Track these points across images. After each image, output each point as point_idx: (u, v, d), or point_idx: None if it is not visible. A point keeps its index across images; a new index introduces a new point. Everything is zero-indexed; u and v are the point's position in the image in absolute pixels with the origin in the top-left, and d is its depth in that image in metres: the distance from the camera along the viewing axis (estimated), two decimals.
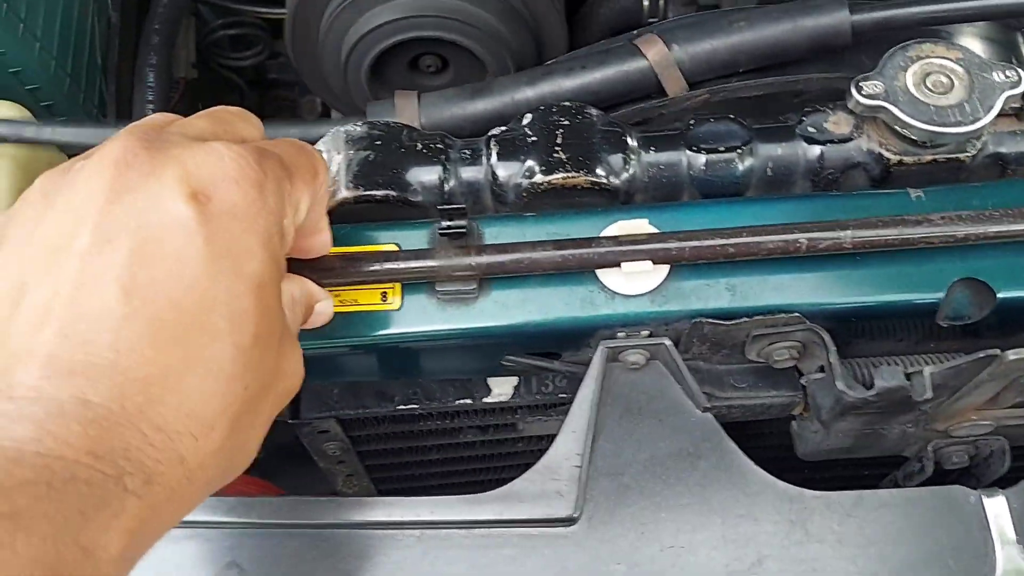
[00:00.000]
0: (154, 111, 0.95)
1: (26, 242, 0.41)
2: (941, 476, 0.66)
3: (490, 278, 0.60)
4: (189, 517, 0.43)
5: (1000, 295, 0.58)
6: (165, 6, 1.04)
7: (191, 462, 0.40)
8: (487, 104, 0.71)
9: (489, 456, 0.82)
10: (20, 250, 0.41)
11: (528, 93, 0.71)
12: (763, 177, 0.65)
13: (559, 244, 0.57)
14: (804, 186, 0.65)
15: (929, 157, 0.62)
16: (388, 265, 0.57)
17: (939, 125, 0.59)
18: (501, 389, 0.72)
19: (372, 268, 0.57)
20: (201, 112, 0.50)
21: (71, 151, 0.87)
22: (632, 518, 0.57)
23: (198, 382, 0.40)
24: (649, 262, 0.57)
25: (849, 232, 0.57)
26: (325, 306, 0.54)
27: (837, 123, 0.64)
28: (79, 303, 0.39)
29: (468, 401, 0.72)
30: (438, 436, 0.78)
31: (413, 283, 0.60)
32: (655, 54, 0.69)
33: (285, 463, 0.84)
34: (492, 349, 0.63)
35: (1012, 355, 0.52)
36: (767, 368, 0.63)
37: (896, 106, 0.60)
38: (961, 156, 0.62)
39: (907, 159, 0.62)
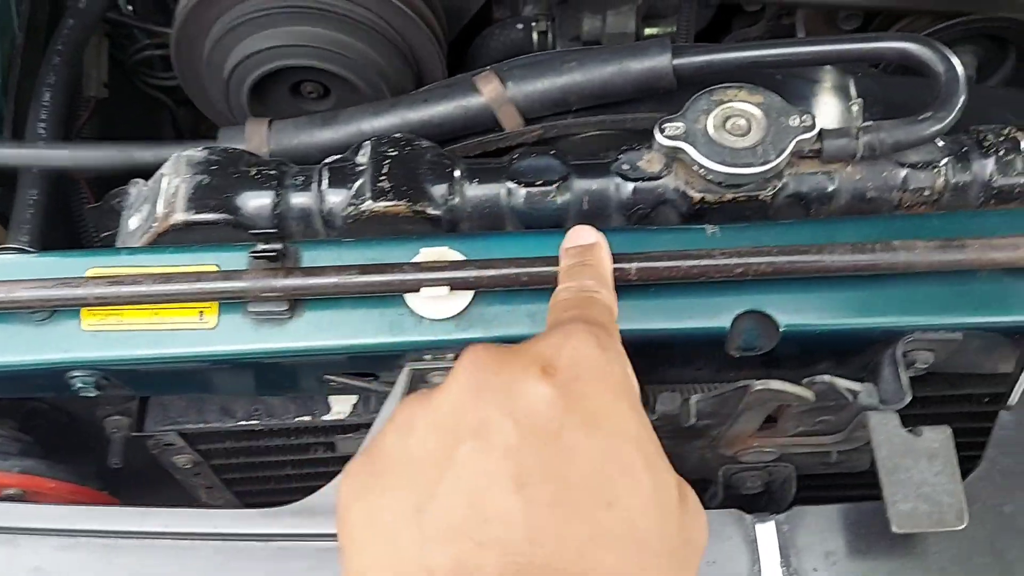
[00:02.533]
0: (45, 129, 0.97)
1: (407, 465, 0.42)
2: (747, 500, 0.69)
3: (305, 299, 0.62)
4: None
5: (782, 327, 0.61)
6: (71, 28, 1.07)
7: None
8: (334, 133, 0.74)
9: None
10: (405, 474, 0.42)
11: (374, 124, 0.74)
12: (580, 210, 0.68)
13: (364, 269, 0.60)
14: (619, 220, 0.68)
15: (730, 196, 0.65)
16: (200, 285, 0.60)
17: (731, 166, 0.63)
18: (341, 407, 0.75)
19: (185, 287, 0.60)
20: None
21: None
22: None
23: (612, 558, 0.39)
24: (447, 288, 0.60)
25: (634, 264, 0.60)
26: None
27: (650, 161, 0.67)
28: (479, 507, 0.39)
29: (307, 418, 0.75)
30: (288, 452, 0.80)
31: (230, 303, 0.63)
32: (490, 91, 0.72)
33: (146, 482, 0.86)
34: (309, 369, 0.65)
35: (758, 385, 0.55)
36: None
37: (694, 147, 0.63)
38: (761, 195, 0.65)
39: (709, 197, 0.65)
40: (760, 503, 0.67)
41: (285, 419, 0.74)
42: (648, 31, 1.07)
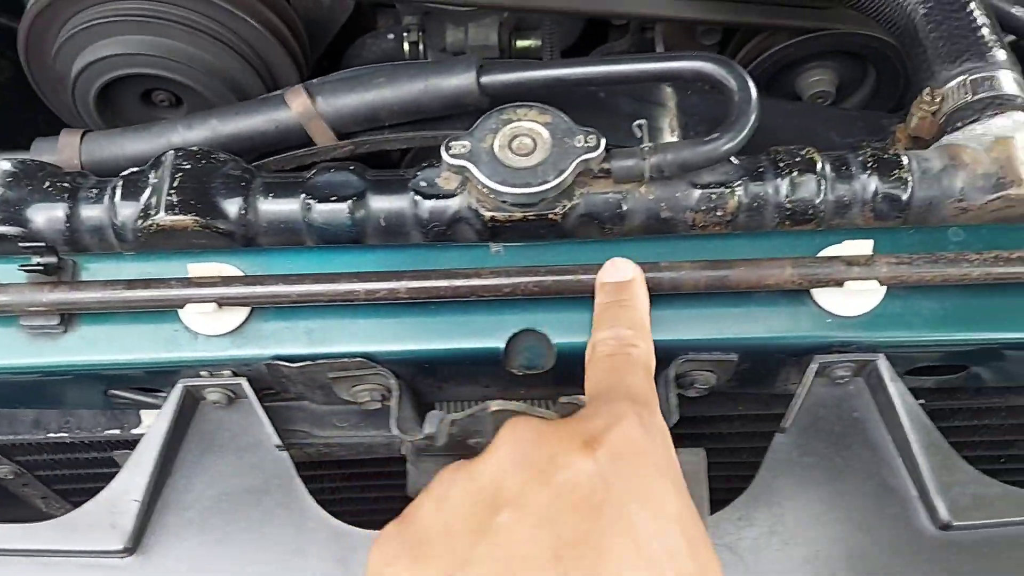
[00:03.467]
0: None
1: (442, 533, 0.43)
2: None
3: (81, 313, 0.62)
4: None
5: (556, 345, 0.61)
6: None
7: None
8: (145, 145, 0.74)
9: None
10: (439, 542, 0.42)
11: (186, 136, 0.74)
12: (378, 227, 0.67)
13: (130, 284, 0.60)
14: (417, 236, 0.68)
15: (520, 215, 0.65)
16: None
17: (511, 186, 0.62)
18: (151, 420, 0.74)
19: None
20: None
21: None
22: (189, 552, 0.59)
23: None
24: (214, 304, 0.60)
25: (404, 283, 0.59)
26: None
27: (447, 179, 0.67)
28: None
29: (117, 431, 0.74)
30: (109, 464, 0.80)
31: (4, 316, 0.62)
32: (299, 105, 0.72)
33: None
34: (90, 383, 0.65)
35: (494, 406, 0.55)
36: (367, 410, 0.66)
37: (476, 166, 0.63)
38: (551, 215, 0.65)
39: (499, 216, 0.65)
40: None
41: (95, 432, 0.74)
42: (521, 43, 1.08)
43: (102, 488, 0.84)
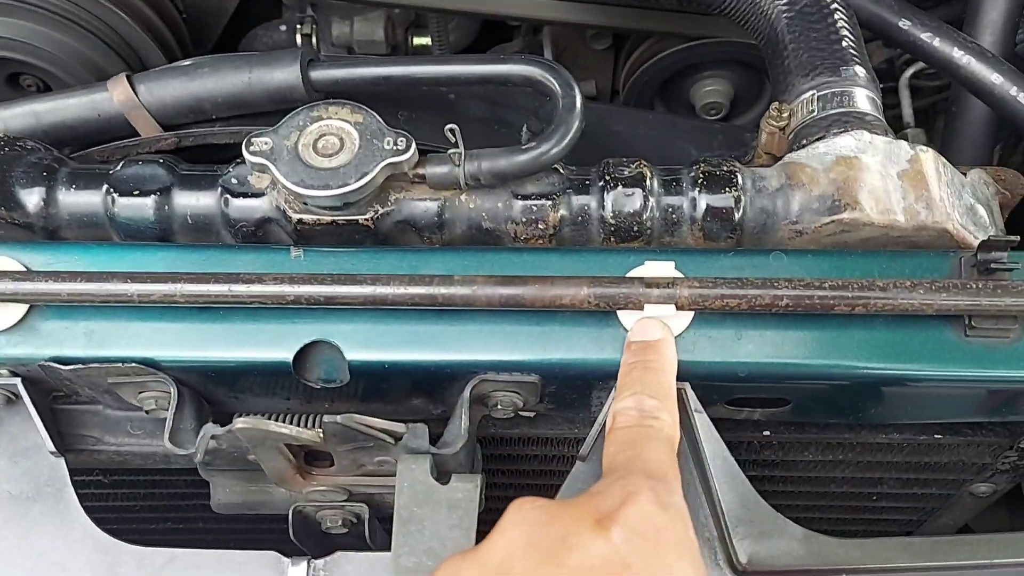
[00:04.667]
0: None
1: None
2: (332, 540, 0.65)
3: None
4: None
5: (348, 360, 0.58)
6: None
7: None
8: None
9: None
10: None
11: (8, 122, 0.71)
12: (184, 224, 0.64)
13: None
14: (228, 236, 0.65)
15: (329, 218, 0.62)
16: None
17: (308, 187, 0.59)
18: None
19: None
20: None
21: None
22: None
23: None
24: None
25: (181, 286, 0.56)
26: None
27: (259, 178, 0.64)
28: None
29: None
30: None
31: None
32: (120, 94, 0.69)
33: None
34: None
35: (240, 423, 0.52)
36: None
37: (275, 164, 0.60)
38: (361, 219, 0.62)
39: (307, 218, 0.62)
40: (344, 543, 0.64)
41: None
42: (418, 41, 1.04)
43: None
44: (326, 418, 0.54)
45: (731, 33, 0.90)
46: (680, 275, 0.56)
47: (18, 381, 0.59)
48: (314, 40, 1.03)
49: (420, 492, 0.52)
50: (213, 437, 0.54)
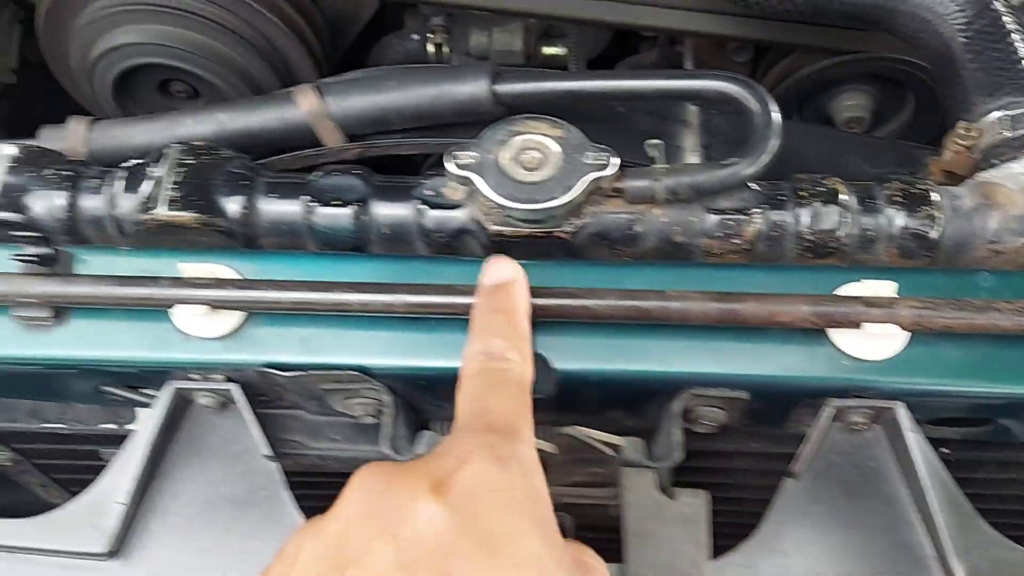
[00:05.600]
0: None
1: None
2: None
3: (73, 307, 0.61)
4: None
5: (557, 370, 0.59)
6: None
7: None
8: (151, 136, 0.73)
9: None
10: None
11: (192, 129, 0.73)
12: (380, 234, 0.66)
13: (121, 280, 0.59)
14: (421, 247, 0.66)
15: (527, 231, 0.63)
16: None
17: (516, 201, 0.60)
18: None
19: None
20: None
21: None
22: (171, 559, 0.58)
23: None
24: (206, 307, 0.58)
25: (401, 297, 0.57)
26: None
27: (454, 189, 0.65)
28: None
29: (113, 426, 0.73)
30: (105, 458, 0.79)
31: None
32: (308, 105, 0.70)
33: None
34: (81, 378, 0.64)
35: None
36: (361, 423, 0.64)
37: (482, 178, 0.61)
38: (559, 233, 0.63)
39: (506, 231, 0.63)
40: None
41: (91, 425, 0.73)
42: (547, 50, 1.05)
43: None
44: (562, 430, 0.55)
45: (878, 47, 0.90)
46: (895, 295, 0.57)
47: (234, 387, 0.60)
48: (445, 49, 1.04)
49: (649, 506, 0.53)
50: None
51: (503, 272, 0.56)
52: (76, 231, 0.66)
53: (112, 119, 0.75)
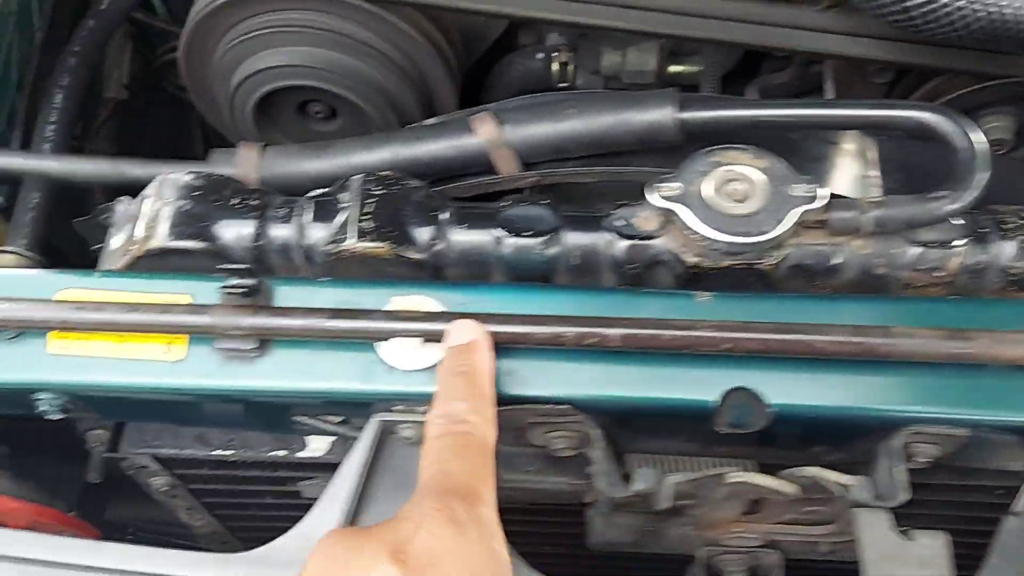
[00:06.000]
0: (54, 132, 0.97)
1: None
2: None
3: (275, 338, 0.60)
4: None
5: (772, 406, 0.58)
6: (90, 29, 1.07)
7: None
8: (324, 165, 0.72)
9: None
10: None
11: (365, 158, 0.72)
12: (569, 265, 0.65)
13: (334, 313, 0.58)
14: (610, 278, 0.65)
15: (727, 263, 0.62)
16: (167, 317, 0.58)
17: (726, 234, 0.59)
18: (318, 444, 0.73)
19: (151, 318, 0.58)
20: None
21: None
22: None
23: None
24: (418, 340, 0.58)
25: (617, 330, 0.57)
26: None
27: (646, 219, 0.64)
28: None
29: (282, 453, 0.73)
30: (266, 483, 0.78)
31: (201, 337, 0.61)
32: (486, 133, 0.70)
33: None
34: (278, 408, 0.63)
35: (733, 477, 0.52)
36: (552, 454, 0.63)
37: (689, 210, 0.60)
38: (759, 265, 0.62)
39: (704, 263, 0.62)
40: None
41: (260, 452, 0.73)
42: (673, 69, 1.04)
43: (253, 504, 0.84)
44: (800, 471, 0.54)
45: (1019, 72, 0.89)
46: None
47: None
48: (570, 68, 1.04)
49: (888, 548, 0.52)
50: (677, 483, 0.54)
51: (466, 334, 0.56)
52: (261, 260, 0.66)
53: (281, 146, 0.75)
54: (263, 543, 0.58)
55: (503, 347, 0.59)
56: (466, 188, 0.72)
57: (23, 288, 0.62)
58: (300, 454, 0.73)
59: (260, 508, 0.84)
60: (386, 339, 0.58)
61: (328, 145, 0.74)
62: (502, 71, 1.05)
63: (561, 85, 1.05)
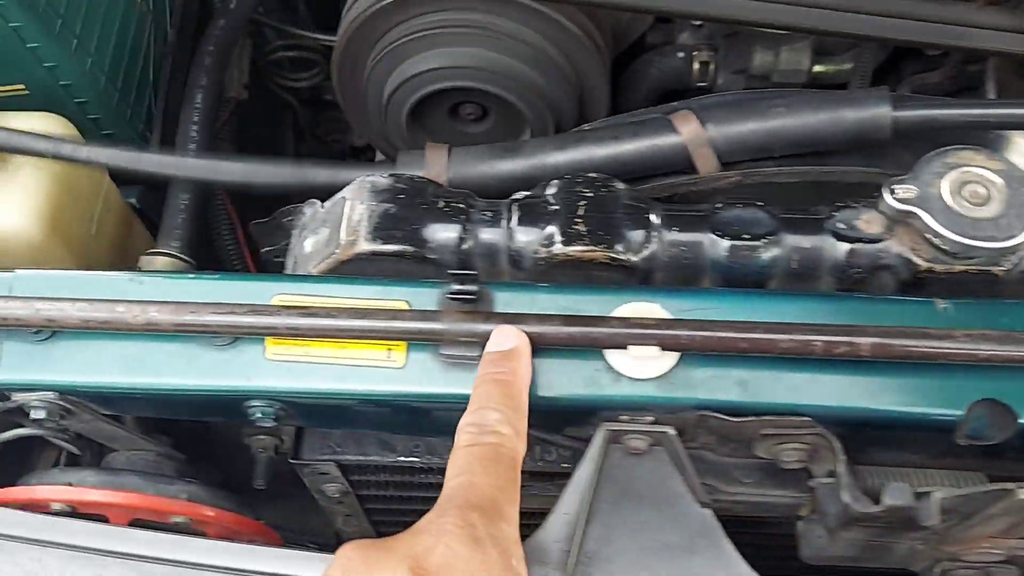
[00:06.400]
0: (198, 131, 0.96)
1: None
2: None
3: None
4: None
5: (1023, 420, 0.56)
6: (222, 28, 1.06)
7: None
8: (516, 165, 0.71)
9: None
10: None
11: (558, 158, 0.71)
12: (787, 269, 0.63)
13: (568, 320, 0.57)
14: (829, 283, 0.63)
15: (960, 268, 0.60)
16: (395, 324, 0.57)
17: (972, 238, 0.57)
18: None
19: (378, 325, 0.57)
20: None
21: (113, 172, 0.89)
22: None
23: None
24: (657, 347, 0.56)
25: (869, 339, 0.55)
26: None
27: (869, 222, 0.62)
28: None
29: None
30: (438, 490, 0.77)
31: (420, 344, 0.59)
32: (689, 131, 0.68)
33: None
34: None
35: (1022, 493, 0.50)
36: (775, 465, 0.61)
37: (930, 214, 0.58)
38: (994, 270, 0.60)
39: (937, 267, 0.60)
40: None
41: (446, 458, 0.71)
42: (817, 68, 1.02)
43: (419, 512, 0.83)
44: None
45: None
46: None
47: (669, 429, 0.58)
48: (711, 68, 1.02)
49: None
50: (943, 498, 0.52)
51: (507, 341, 0.55)
52: (466, 265, 0.65)
53: (467, 147, 0.74)
54: None
55: (740, 355, 0.57)
56: (661, 188, 0.70)
57: (235, 294, 0.61)
58: None
59: (420, 515, 0.83)
60: (624, 347, 0.56)
61: (517, 146, 0.73)
62: (639, 70, 1.03)
63: (700, 85, 1.03)
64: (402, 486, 0.77)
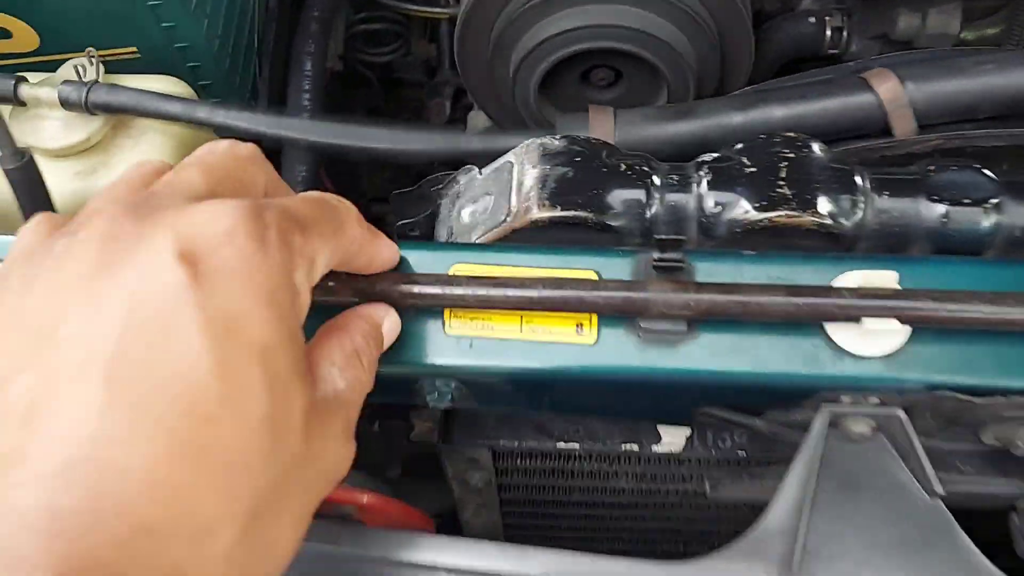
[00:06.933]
0: (310, 100, 0.92)
1: (6, 330, 0.36)
2: None
3: (699, 320, 0.53)
4: None
5: None
6: None
7: (192, 572, 0.34)
8: (691, 127, 0.65)
9: (634, 505, 0.75)
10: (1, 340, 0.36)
11: (736, 119, 0.65)
12: (1010, 238, 0.57)
13: (792, 290, 0.51)
14: None
15: None
16: (596, 294, 0.52)
17: None
18: (672, 438, 0.66)
19: (577, 294, 0.52)
20: (190, 161, 0.44)
21: (226, 135, 0.84)
22: None
23: (190, 476, 0.34)
24: (895, 321, 0.50)
25: None
26: (390, 326, 0.51)
27: None
28: (59, 395, 0.34)
29: (635, 447, 0.66)
30: (588, 479, 0.72)
31: (611, 317, 0.54)
32: (887, 91, 0.62)
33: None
34: (687, 396, 0.57)
35: None
36: (997, 452, 0.56)
37: None
38: None
39: None
40: None
41: (610, 444, 0.66)
42: (964, 34, 0.96)
43: (551, 503, 0.78)
44: None
45: None
46: None
47: (900, 412, 0.52)
48: (845, 33, 0.96)
49: None
50: None
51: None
52: (649, 233, 0.59)
53: (631, 110, 0.68)
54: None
55: (987, 331, 0.51)
56: (852, 153, 0.65)
57: (411, 263, 0.56)
58: (655, 447, 0.66)
59: (556, 506, 0.78)
60: (857, 320, 0.50)
61: (691, 107, 0.67)
62: (767, 37, 0.98)
63: (831, 52, 0.97)
64: (548, 475, 0.72)
